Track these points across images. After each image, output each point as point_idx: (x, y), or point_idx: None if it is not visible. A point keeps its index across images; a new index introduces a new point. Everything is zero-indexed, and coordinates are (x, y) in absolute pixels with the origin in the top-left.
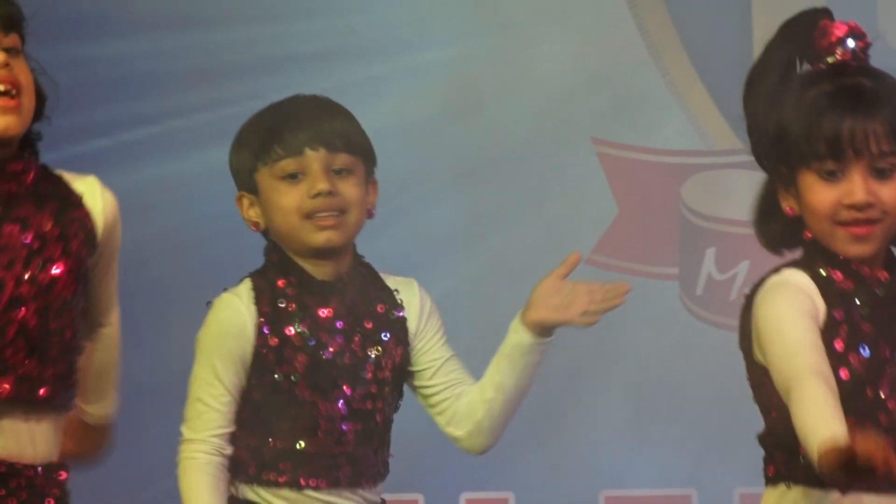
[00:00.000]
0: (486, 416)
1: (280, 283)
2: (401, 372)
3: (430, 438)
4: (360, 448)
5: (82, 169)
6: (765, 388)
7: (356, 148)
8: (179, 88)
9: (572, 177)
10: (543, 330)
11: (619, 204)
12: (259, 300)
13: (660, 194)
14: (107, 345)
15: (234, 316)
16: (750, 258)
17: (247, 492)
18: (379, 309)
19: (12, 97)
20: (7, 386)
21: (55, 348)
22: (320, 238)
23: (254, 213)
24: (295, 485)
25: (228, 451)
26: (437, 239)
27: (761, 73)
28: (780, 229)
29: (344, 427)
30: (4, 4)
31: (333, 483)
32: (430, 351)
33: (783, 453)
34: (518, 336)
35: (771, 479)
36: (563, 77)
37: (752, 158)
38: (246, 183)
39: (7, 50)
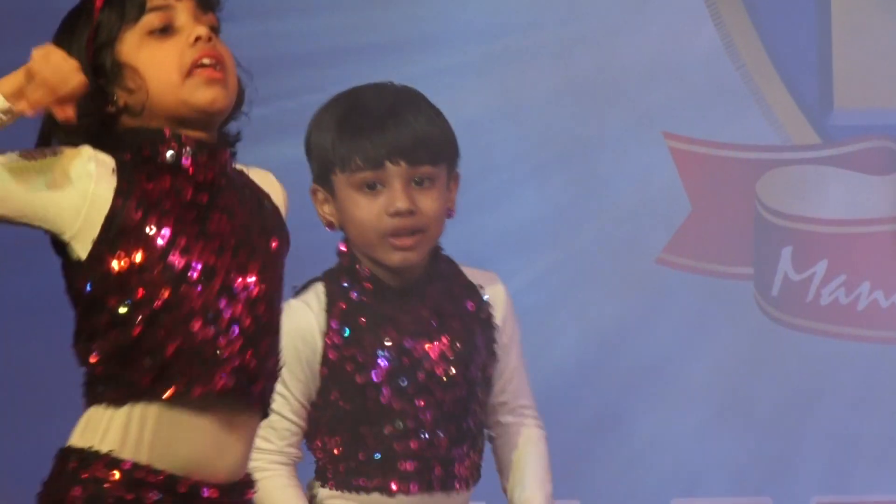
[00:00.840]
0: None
1: (353, 292)
2: (489, 372)
3: None
4: (453, 450)
5: None
6: None
7: (439, 157)
8: (271, 74)
9: (642, 173)
10: None
11: (692, 201)
12: (331, 307)
13: (734, 191)
14: None
15: (302, 324)
16: (828, 257)
17: (334, 500)
18: (469, 307)
19: (218, 70)
20: (224, 379)
21: (266, 342)
22: (396, 258)
23: (328, 210)
24: (386, 490)
25: (299, 454)
26: (505, 235)
27: None
28: None
29: (438, 431)
30: None
31: (426, 487)
32: (505, 369)
33: None
34: None
35: None
36: (633, 69)
37: (830, 153)
38: (321, 178)
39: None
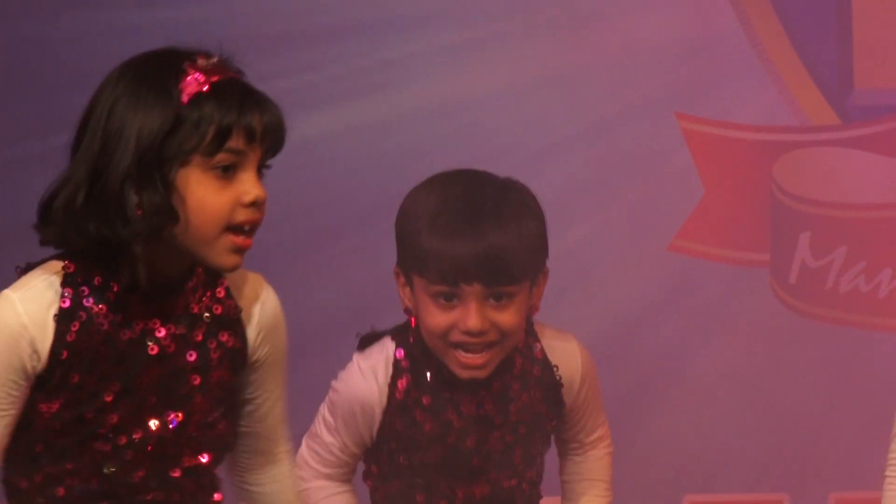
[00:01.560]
0: None
1: (423, 368)
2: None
3: None
4: None
5: None
6: None
7: (519, 275)
8: (269, 52)
9: (654, 155)
10: None
11: (706, 184)
12: (395, 380)
13: (749, 174)
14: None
15: (363, 395)
16: (847, 244)
17: None
18: (538, 407)
19: (251, 237)
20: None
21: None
22: (463, 374)
23: (407, 296)
24: None
25: (350, 475)
26: None
27: None
28: None
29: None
30: (279, 114)
31: None
32: (581, 418)
33: None
34: None
35: None
36: (645, 47)
37: (850, 135)
38: (403, 266)
39: (261, 167)
